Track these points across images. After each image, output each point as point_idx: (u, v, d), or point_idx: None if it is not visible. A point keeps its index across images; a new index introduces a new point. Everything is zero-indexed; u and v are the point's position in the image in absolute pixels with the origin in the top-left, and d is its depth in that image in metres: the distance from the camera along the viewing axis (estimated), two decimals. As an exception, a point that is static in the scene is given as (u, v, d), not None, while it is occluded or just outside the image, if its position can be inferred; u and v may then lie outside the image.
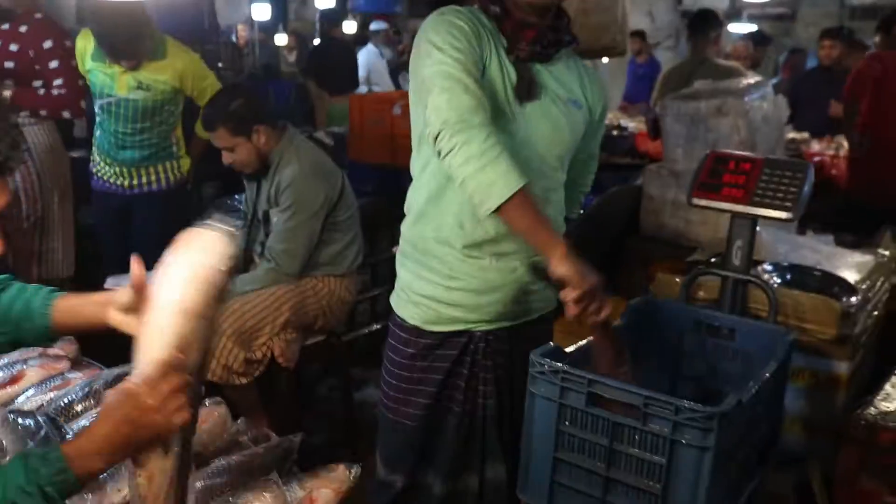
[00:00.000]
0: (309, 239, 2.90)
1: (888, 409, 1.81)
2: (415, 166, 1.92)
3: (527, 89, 1.79)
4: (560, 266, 1.58)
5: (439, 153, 1.67)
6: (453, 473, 1.97)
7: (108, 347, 2.43)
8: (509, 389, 1.93)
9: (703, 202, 2.09)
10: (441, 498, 1.97)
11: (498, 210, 1.61)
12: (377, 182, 4.30)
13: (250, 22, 10.59)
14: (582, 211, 2.93)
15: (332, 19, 7.99)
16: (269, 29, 11.48)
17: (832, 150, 5.25)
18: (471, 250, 1.83)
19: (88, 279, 3.64)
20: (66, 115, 3.50)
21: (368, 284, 3.89)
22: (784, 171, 2.05)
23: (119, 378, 1.85)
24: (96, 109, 3.48)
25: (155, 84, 3.39)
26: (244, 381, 2.75)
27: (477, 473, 1.97)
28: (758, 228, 2.38)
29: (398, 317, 1.96)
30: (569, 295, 1.57)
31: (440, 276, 1.86)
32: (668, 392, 2.07)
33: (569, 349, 1.77)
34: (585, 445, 1.62)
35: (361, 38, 9.65)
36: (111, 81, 3.38)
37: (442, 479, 1.97)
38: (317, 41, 9.20)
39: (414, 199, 1.91)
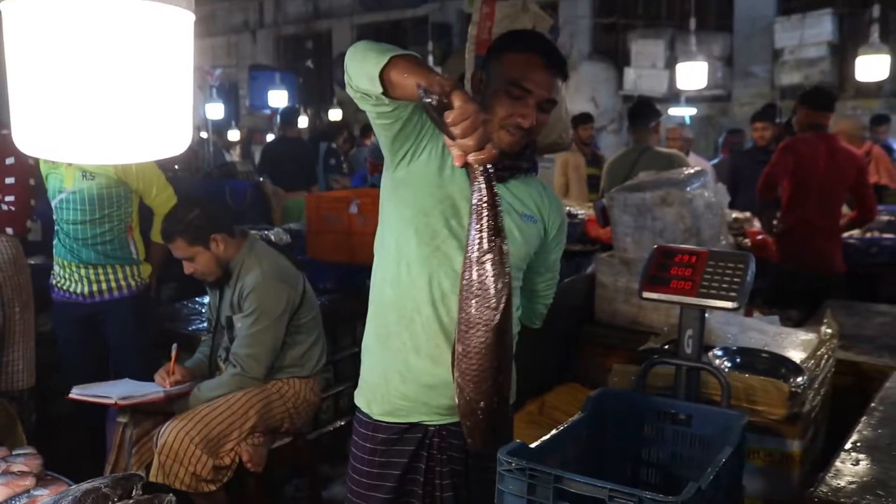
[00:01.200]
0: (273, 343, 2.95)
1: (839, 486, 1.89)
2: (377, 251, 2.00)
3: None
4: (447, 85, 1.40)
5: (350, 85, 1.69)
6: None
7: (74, 461, 2.44)
8: (465, 484, 1.98)
9: (654, 295, 2.20)
10: None
11: (387, 67, 1.55)
12: (337, 279, 4.37)
13: (204, 121, 10.75)
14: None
15: (287, 117, 8.17)
16: (222, 127, 11.66)
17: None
18: (431, 330, 1.88)
19: (49, 388, 3.63)
20: (9, 231, 3.53)
21: (331, 381, 3.93)
22: (727, 262, 2.18)
23: (88, 494, 1.86)
24: (55, 216, 3.53)
25: (99, 172, 3.43)
26: (213, 488, 2.75)
27: None
28: (706, 315, 2.51)
29: (359, 410, 2.04)
30: (450, 116, 1.37)
31: (397, 365, 1.93)
32: (631, 479, 2.16)
33: (533, 445, 1.83)
34: (555, 540, 1.67)
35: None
36: (61, 177, 3.44)
37: None
38: (270, 137, 9.40)
39: (376, 284, 1.99)
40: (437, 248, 1.87)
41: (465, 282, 1.45)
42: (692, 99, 10.07)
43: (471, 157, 1.41)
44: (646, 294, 2.21)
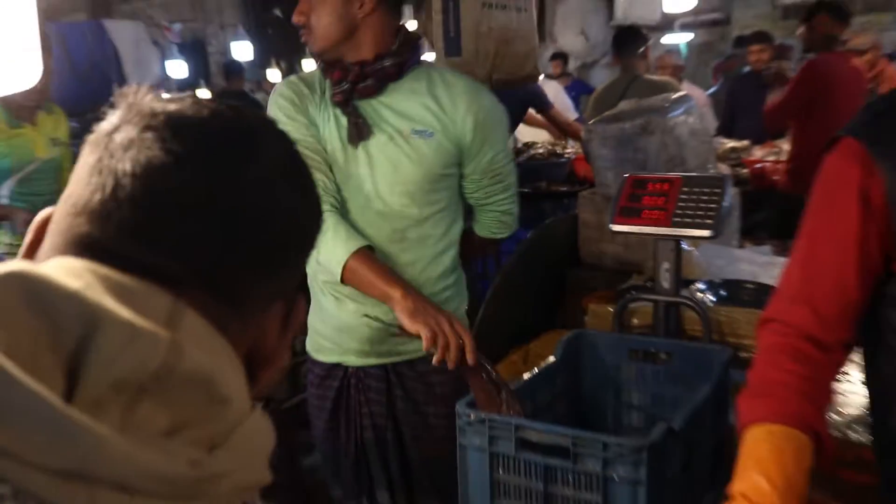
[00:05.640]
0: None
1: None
2: None
3: (355, 131, 1.91)
4: (401, 315, 1.77)
5: None
6: (351, 495, 2.24)
7: None
8: (392, 426, 2.14)
9: (625, 227, 2.16)
10: None
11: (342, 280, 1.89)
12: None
13: (163, 79, 10.59)
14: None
15: (234, 71, 8.06)
16: (190, 86, 11.49)
17: (773, 155, 5.39)
18: (326, 286, 2.08)
19: None
20: None
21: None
22: (701, 187, 2.13)
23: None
24: (14, 188, 3.37)
25: (63, 138, 3.42)
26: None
27: (367, 498, 2.22)
28: (687, 247, 2.48)
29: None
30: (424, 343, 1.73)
31: (316, 307, 2.12)
32: (614, 424, 2.14)
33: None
34: (521, 491, 1.66)
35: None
36: (30, 146, 3.36)
37: (347, 498, 2.26)
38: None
39: None
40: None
41: None
42: (688, 25, 9.95)
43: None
44: (616, 227, 2.17)
